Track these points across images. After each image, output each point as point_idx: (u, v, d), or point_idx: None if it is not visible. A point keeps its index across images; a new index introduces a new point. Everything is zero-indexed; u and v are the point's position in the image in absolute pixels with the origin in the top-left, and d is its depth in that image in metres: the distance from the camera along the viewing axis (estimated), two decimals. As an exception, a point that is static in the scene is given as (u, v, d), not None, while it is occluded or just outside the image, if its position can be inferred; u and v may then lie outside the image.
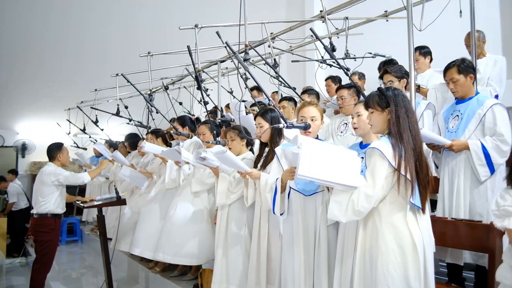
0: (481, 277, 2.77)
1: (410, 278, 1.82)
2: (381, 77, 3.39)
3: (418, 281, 1.84)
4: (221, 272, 3.09)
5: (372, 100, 2.02)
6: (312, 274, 2.41)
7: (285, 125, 2.32)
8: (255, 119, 3.06)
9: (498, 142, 2.70)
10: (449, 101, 3.28)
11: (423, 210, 1.92)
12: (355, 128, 2.34)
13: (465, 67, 2.85)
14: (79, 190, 7.82)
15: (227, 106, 5.67)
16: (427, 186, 1.92)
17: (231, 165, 2.89)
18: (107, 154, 5.49)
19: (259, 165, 2.98)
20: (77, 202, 4.52)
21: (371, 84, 4.60)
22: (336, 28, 4.37)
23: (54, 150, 4.28)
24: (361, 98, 3.32)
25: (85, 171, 6.68)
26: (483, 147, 2.71)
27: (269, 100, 2.61)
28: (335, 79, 5.00)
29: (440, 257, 2.80)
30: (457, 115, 2.92)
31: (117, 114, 5.89)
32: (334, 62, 3.42)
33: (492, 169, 2.72)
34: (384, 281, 1.83)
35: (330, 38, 3.67)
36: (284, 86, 4.04)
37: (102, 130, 6.53)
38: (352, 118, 2.37)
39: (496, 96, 3.51)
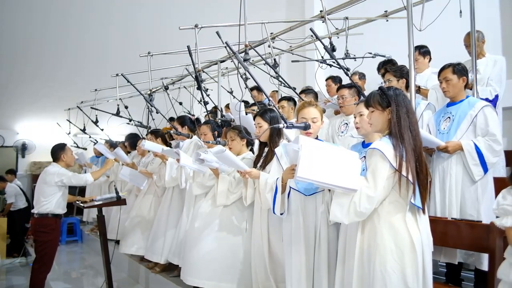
0: (481, 277, 2.77)
1: (407, 278, 1.82)
2: (383, 76, 3.41)
3: (416, 281, 1.83)
4: (216, 270, 3.08)
5: (373, 99, 2.02)
6: (312, 274, 2.41)
7: (285, 125, 2.31)
8: (254, 119, 3.06)
9: (490, 142, 2.76)
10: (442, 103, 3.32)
11: (424, 210, 1.92)
12: (357, 128, 2.33)
13: (459, 69, 2.93)
14: (79, 190, 7.82)
15: (227, 106, 5.67)
16: (426, 187, 1.92)
17: (231, 165, 2.88)
18: (107, 154, 5.48)
19: (258, 165, 2.98)
20: (77, 202, 4.52)
21: (372, 84, 4.61)
22: (336, 28, 4.37)
23: (58, 151, 4.28)
24: (362, 98, 3.32)
25: (85, 171, 6.69)
26: (476, 147, 2.76)
27: (269, 100, 2.61)
28: (335, 79, 5.00)
29: (435, 257, 2.81)
30: (449, 117, 2.98)
31: (117, 114, 5.89)
32: (334, 62, 3.43)
33: (485, 169, 2.77)
34: (381, 281, 1.82)
35: (330, 38, 3.67)
36: (284, 86, 4.04)
37: (102, 130, 6.52)
38: (354, 117, 2.36)
39: (496, 96, 3.52)
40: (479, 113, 2.82)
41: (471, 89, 3.30)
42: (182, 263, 3.31)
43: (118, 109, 5.92)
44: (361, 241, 1.95)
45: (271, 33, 4.37)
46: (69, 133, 7.83)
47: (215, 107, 4.89)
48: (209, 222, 3.15)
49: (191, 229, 3.28)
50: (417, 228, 1.89)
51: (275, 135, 2.91)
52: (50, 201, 4.10)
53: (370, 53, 4.16)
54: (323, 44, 3.43)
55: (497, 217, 1.93)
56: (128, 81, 4.48)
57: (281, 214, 2.44)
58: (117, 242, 5.34)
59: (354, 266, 1.95)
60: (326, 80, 5.10)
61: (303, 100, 3.60)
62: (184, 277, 3.17)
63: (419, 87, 3.58)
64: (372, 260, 1.87)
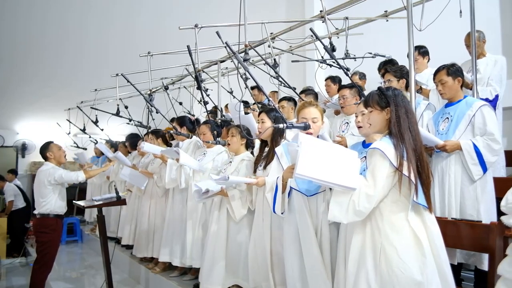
0: (481, 277, 2.77)
1: (416, 276, 1.79)
2: (383, 76, 3.41)
3: (425, 278, 1.80)
4: (220, 272, 3.12)
5: (372, 99, 2.01)
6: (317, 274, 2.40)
7: (285, 125, 2.31)
8: (259, 115, 3.06)
9: (489, 141, 2.76)
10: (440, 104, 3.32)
11: (430, 209, 1.91)
12: (359, 127, 2.33)
13: (454, 71, 2.93)
14: (79, 189, 7.82)
15: (227, 106, 5.67)
16: (429, 187, 1.91)
17: (237, 184, 2.96)
18: (108, 153, 5.48)
19: (261, 166, 2.98)
20: (77, 202, 4.52)
21: (372, 84, 4.60)
22: (336, 28, 4.37)
23: (44, 151, 4.29)
24: (363, 98, 3.33)
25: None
26: (475, 147, 2.77)
27: (269, 100, 2.61)
28: (334, 79, 4.99)
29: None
30: (447, 118, 2.99)
31: (117, 114, 5.89)
32: (334, 62, 3.43)
33: (484, 168, 2.77)
34: (389, 281, 1.81)
35: (330, 38, 3.67)
36: (284, 86, 4.04)
37: (102, 130, 6.52)
38: (356, 116, 2.36)
39: (497, 96, 3.52)
40: (477, 112, 2.82)
41: (471, 89, 3.30)
42: (202, 269, 3.35)
43: (118, 109, 5.92)
44: (362, 241, 1.93)
45: (271, 33, 4.37)
46: (69, 133, 7.82)
47: (215, 107, 4.89)
48: (221, 232, 3.20)
49: (207, 237, 3.33)
50: (422, 225, 1.87)
51: (278, 135, 2.91)
52: (49, 201, 4.11)
53: (370, 53, 4.15)
54: (323, 44, 3.43)
55: (500, 214, 1.90)
56: (128, 81, 4.48)
57: (282, 213, 2.44)
58: (118, 242, 5.36)
59: (355, 267, 1.94)
60: (326, 80, 5.10)
61: (303, 100, 3.60)
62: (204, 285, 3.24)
63: (420, 87, 3.58)
64: (376, 261, 1.86)
